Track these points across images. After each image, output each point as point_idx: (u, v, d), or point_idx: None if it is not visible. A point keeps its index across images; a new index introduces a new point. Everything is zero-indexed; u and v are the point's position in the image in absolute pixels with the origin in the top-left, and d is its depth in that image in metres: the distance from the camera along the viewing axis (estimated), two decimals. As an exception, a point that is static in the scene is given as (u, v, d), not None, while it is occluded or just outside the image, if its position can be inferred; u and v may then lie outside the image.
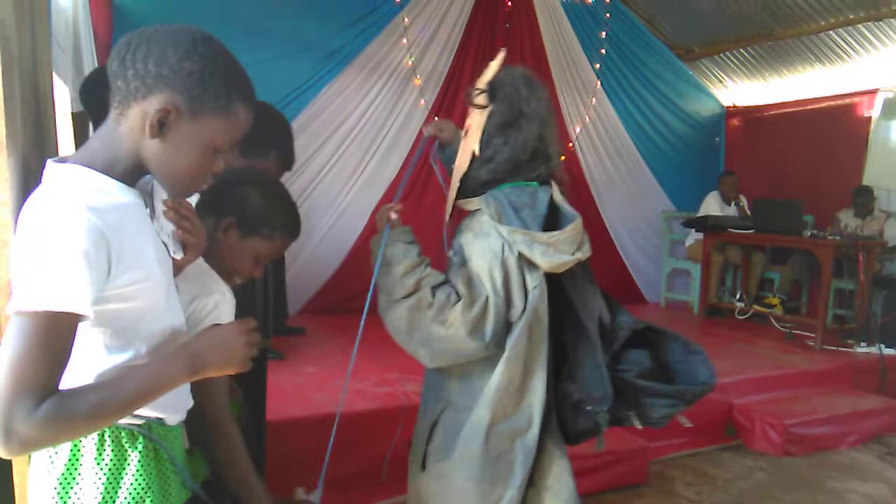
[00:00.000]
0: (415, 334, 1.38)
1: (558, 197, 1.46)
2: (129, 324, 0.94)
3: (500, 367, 1.37)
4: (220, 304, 1.26)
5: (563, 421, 1.50)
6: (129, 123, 0.92)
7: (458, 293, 1.37)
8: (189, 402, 1.11)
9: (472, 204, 1.44)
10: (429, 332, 1.36)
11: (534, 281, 1.37)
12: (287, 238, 1.41)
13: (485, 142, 1.41)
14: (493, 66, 1.44)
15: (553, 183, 1.48)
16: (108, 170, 0.93)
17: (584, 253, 1.38)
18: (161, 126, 0.91)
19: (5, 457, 0.82)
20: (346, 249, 5.00)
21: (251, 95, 0.97)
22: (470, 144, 1.43)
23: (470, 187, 1.46)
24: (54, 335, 0.83)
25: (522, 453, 1.40)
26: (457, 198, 1.49)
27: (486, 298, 1.34)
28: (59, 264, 0.83)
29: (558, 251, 1.34)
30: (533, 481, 1.46)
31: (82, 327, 0.88)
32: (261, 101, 1.79)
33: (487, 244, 1.36)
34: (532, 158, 1.43)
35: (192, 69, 0.90)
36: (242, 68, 0.97)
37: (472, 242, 1.39)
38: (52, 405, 0.81)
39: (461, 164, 1.46)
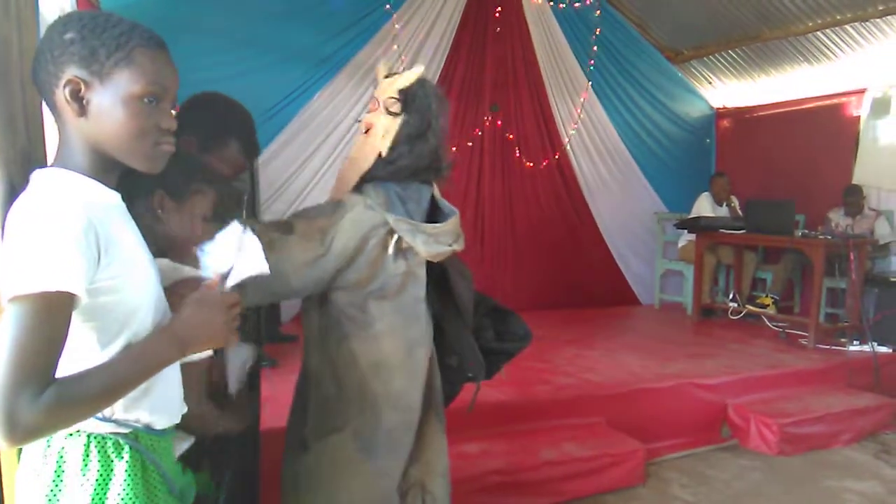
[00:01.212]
0: None
1: (437, 194, 1.59)
2: (120, 317, 0.95)
3: (376, 341, 1.48)
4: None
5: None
6: (64, 118, 0.95)
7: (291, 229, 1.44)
8: (181, 408, 1.11)
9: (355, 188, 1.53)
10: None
11: (398, 268, 1.47)
12: (221, 174, 1.32)
13: (391, 146, 1.49)
14: (410, 76, 1.51)
15: (433, 183, 1.60)
16: (82, 170, 0.95)
17: (460, 245, 1.53)
18: (79, 102, 0.92)
19: (10, 446, 0.82)
20: (340, 255, 4.99)
21: (149, 38, 0.96)
22: (375, 144, 1.50)
23: (373, 170, 1.53)
24: (51, 317, 0.84)
25: (408, 427, 1.52)
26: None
27: (321, 253, 1.42)
28: (51, 247, 0.84)
29: (438, 242, 1.48)
30: (415, 457, 1.57)
31: (75, 324, 0.89)
32: (215, 92, 1.68)
33: (359, 220, 1.44)
34: (428, 167, 1.53)
35: (72, 37, 0.91)
36: (129, 20, 0.96)
37: (352, 208, 1.45)
38: (54, 391, 0.82)
39: (361, 158, 1.52)
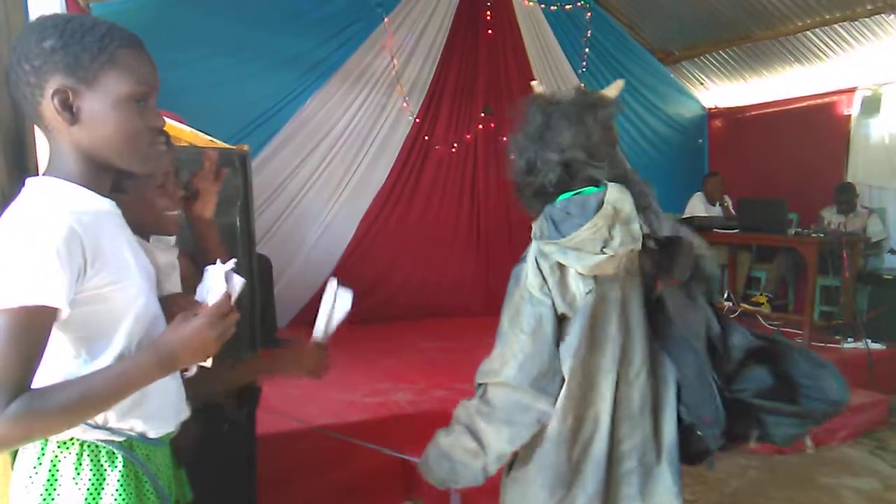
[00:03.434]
0: (507, 418, 1.37)
1: (614, 197, 1.31)
2: (108, 326, 0.94)
3: (566, 376, 1.34)
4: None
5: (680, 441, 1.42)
6: (52, 127, 0.93)
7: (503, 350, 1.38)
8: (180, 415, 1.09)
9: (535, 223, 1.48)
10: (512, 400, 1.35)
11: (586, 286, 1.33)
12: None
13: (516, 164, 1.53)
14: (529, 98, 1.56)
15: (612, 184, 1.35)
16: (74, 178, 0.94)
17: (614, 248, 1.27)
18: (69, 111, 0.91)
19: None
20: (335, 259, 4.99)
21: (129, 38, 0.95)
22: (510, 165, 1.56)
23: (527, 203, 1.54)
24: (28, 331, 0.83)
25: (592, 463, 1.37)
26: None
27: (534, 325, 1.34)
28: (32, 261, 0.83)
29: (586, 252, 1.28)
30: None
31: (62, 332, 0.88)
32: None
33: (531, 261, 1.39)
34: (569, 170, 1.41)
35: (53, 45, 0.89)
36: (106, 21, 0.95)
37: (529, 262, 1.41)
38: (21, 403, 0.81)
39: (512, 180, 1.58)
